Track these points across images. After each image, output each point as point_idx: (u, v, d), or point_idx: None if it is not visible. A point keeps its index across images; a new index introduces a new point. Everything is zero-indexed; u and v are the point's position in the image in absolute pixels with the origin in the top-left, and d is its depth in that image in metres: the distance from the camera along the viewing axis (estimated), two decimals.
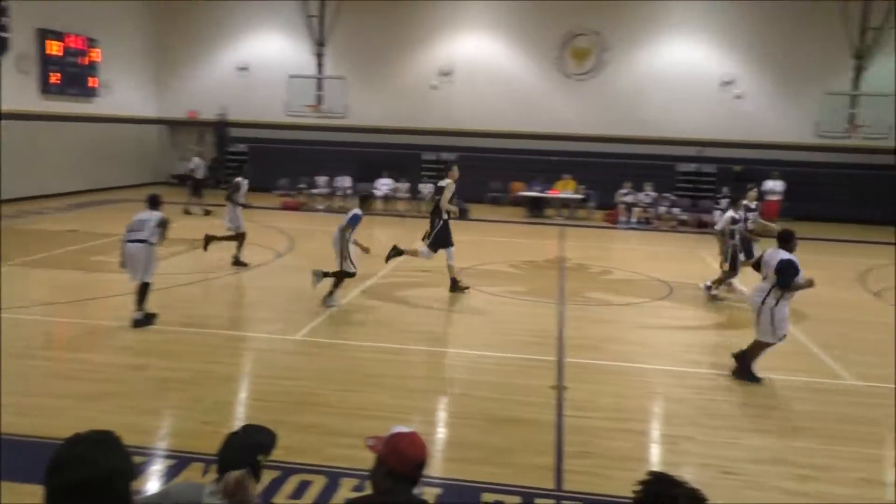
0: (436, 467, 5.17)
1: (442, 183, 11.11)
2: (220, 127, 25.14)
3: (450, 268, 10.81)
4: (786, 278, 7.05)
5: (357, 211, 9.68)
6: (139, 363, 7.14)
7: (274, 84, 23.13)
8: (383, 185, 21.34)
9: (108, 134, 22.46)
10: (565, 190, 21.13)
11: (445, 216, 10.74)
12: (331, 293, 9.64)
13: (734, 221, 11.15)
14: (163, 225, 8.26)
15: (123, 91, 23.36)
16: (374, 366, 7.37)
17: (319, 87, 22.51)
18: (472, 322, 9.46)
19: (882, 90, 19.13)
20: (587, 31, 23.77)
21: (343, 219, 9.63)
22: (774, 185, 19.20)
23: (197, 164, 19.10)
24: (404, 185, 21.59)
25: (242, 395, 6.76)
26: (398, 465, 2.47)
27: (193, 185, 18.93)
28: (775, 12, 22.36)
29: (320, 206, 20.93)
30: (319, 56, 23.02)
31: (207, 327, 8.46)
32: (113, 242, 13.65)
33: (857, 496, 4.98)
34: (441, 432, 5.98)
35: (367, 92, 23.94)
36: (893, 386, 7.37)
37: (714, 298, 10.98)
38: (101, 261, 11.90)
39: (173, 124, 26.02)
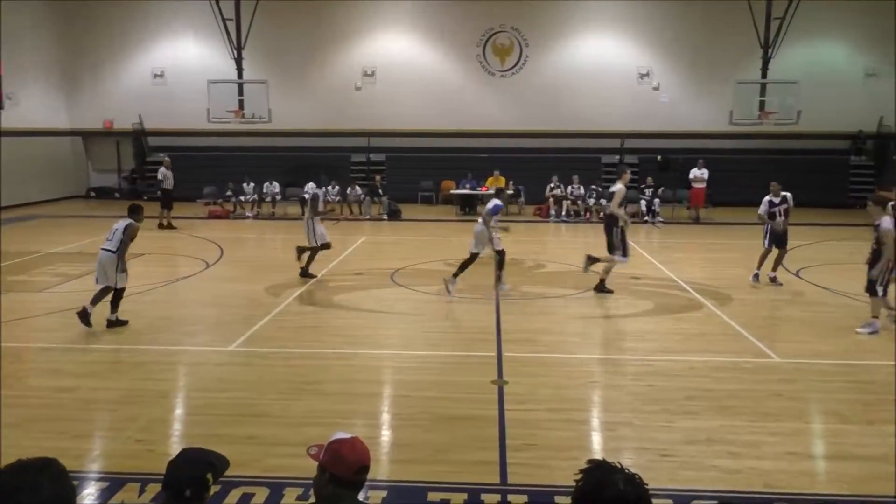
0: (381, 470, 5.16)
1: (613, 188, 11.21)
2: (138, 136, 24.34)
3: (606, 269, 10.89)
4: None
5: (497, 202, 11.22)
6: (69, 385, 6.85)
7: (193, 90, 22.50)
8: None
9: (17, 148, 21.34)
10: (496, 186, 21.32)
11: (621, 223, 10.68)
12: (498, 278, 10.91)
13: (772, 205, 11.65)
14: (126, 231, 8.62)
15: (30, 102, 22.28)
16: (313, 372, 7.29)
17: (241, 91, 22.00)
18: (411, 322, 9.46)
19: (788, 78, 20.04)
20: (507, 28, 24.08)
21: (484, 210, 11.17)
22: (701, 174, 19.89)
23: (164, 175, 18.39)
24: (334, 189, 21.37)
25: (178, 411, 6.57)
26: (339, 472, 2.46)
27: (164, 198, 18.17)
28: (687, 6, 23.17)
29: (249, 214, 20.53)
30: (238, 60, 22.50)
31: (139, 343, 8.20)
32: (31, 260, 13.09)
33: (785, 469, 5.21)
34: (385, 435, 5.97)
35: (290, 95, 23.59)
36: (816, 361, 7.77)
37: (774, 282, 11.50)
38: (19, 280, 11.36)
39: (87, 135, 25.03)
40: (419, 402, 6.48)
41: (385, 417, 6.38)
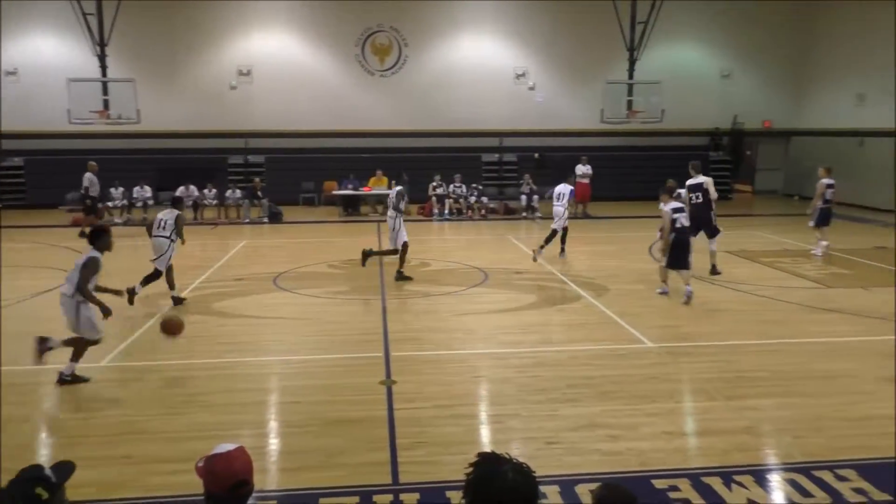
0: (270, 480, 5.05)
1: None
2: None
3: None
4: None
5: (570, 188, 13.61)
6: None
7: (52, 89, 21.03)
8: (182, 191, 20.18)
9: None
10: (378, 186, 21.29)
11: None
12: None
13: (829, 186, 12.67)
14: (177, 222, 9.89)
15: None
16: (193, 384, 7.01)
17: (105, 90, 20.78)
18: (296, 327, 9.28)
19: (653, 78, 21.25)
20: (385, 28, 24.08)
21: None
22: (586, 169, 20.70)
23: (90, 181, 17.07)
24: (212, 192, 20.61)
25: (44, 436, 6.13)
26: (214, 489, 2.38)
27: (90, 205, 16.97)
28: (558, 8, 24.03)
29: (118, 220, 19.41)
30: (102, 57, 21.25)
31: None
32: None
33: (661, 448, 5.53)
34: (273, 443, 5.83)
35: (160, 94, 22.53)
36: (684, 344, 8.29)
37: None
38: None
39: None
40: (308, 408, 6.38)
41: (273, 426, 6.23)
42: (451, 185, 21.11)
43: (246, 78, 23.62)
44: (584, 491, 4.75)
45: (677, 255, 10.25)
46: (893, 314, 9.45)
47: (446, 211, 20.62)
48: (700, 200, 11.91)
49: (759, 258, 13.16)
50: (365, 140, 23.77)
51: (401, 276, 11.80)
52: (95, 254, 7.06)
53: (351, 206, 21.33)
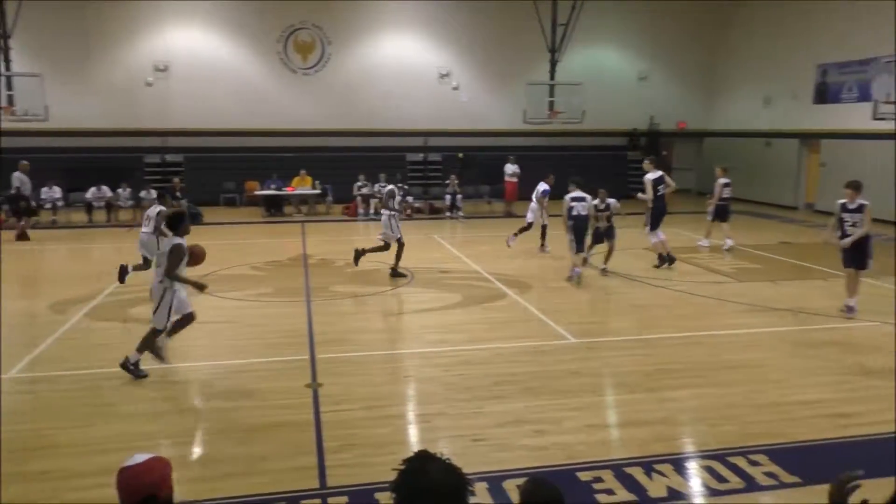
0: (191, 490, 4.90)
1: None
2: None
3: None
4: None
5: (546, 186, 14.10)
6: None
7: None
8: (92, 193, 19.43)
9: None
10: (302, 186, 21.01)
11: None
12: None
13: (725, 185, 13.49)
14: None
15: None
16: (109, 394, 6.73)
17: (9, 85, 19.70)
18: (217, 331, 9.04)
19: (573, 80, 21.72)
20: (308, 25, 23.76)
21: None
22: (514, 169, 20.97)
23: (22, 181, 16.15)
24: (126, 192, 19.84)
25: None
26: (125, 502, 2.29)
27: (24, 206, 16.15)
28: (481, 9, 24.26)
29: (23, 222, 18.41)
30: (6, 51, 20.15)
31: None
32: None
33: (585, 441, 5.66)
34: (195, 452, 5.66)
35: (70, 90, 21.53)
36: (605, 339, 8.52)
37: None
38: None
39: None
40: (231, 414, 6.23)
41: (193, 434, 6.05)
42: (377, 185, 21.01)
43: (162, 74, 22.86)
44: (511, 486, 4.81)
45: (576, 239, 11.59)
46: (801, 307, 9.98)
47: (371, 211, 20.51)
48: (662, 193, 12.85)
49: (675, 254, 13.62)
50: (288, 139, 23.39)
51: (396, 274, 11.92)
52: (178, 240, 7.12)
53: (274, 207, 20.94)
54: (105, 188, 19.43)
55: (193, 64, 22.90)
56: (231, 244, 15.73)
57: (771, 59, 23.57)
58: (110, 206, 19.27)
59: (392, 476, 1.97)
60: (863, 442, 5.67)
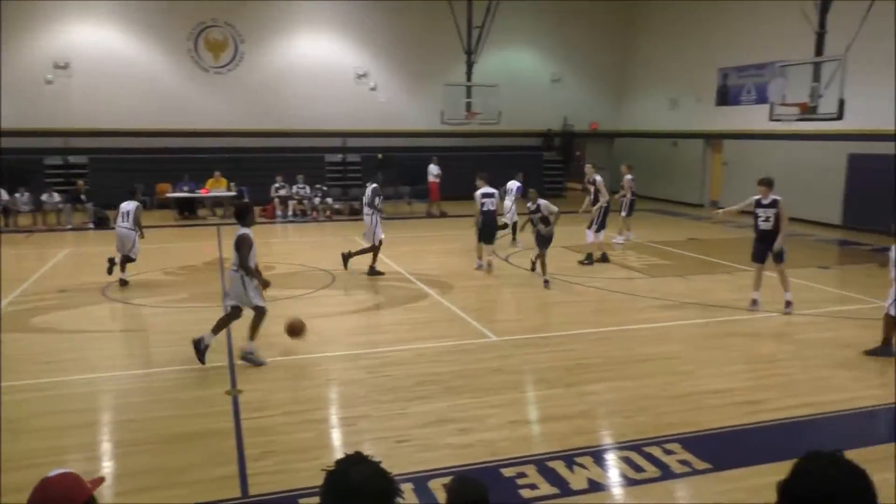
0: None
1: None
2: None
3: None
4: None
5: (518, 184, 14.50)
6: None
7: None
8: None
9: None
10: (216, 188, 20.45)
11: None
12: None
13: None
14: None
15: None
16: (11, 409, 6.34)
17: None
18: (130, 339, 8.69)
19: (490, 81, 21.99)
20: (219, 23, 23.15)
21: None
22: (438, 170, 21.05)
23: None
24: (24, 196, 18.78)
25: None
26: None
27: None
28: (398, 10, 24.25)
29: None
30: None
31: None
32: None
33: (507, 437, 5.75)
34: (108, 466, 5.42)
35: None
36: (525, 336, 8.67)
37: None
38: None
39: None
40: (146, 425, 6.00)
41: (106, 447, 5.79)
42: (295, 187, 20.69)
43: (63, 72, 21.78)
44: (436, 486, 4.84)
45: (485, 233, 12.08)
46: (706, 301, 10.44)
47: (290, 213, 20.17)
48: (593, 197, 13.53)
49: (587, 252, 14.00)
50: (201, 140, 22.72)
51: (373, 272, 12.06)
52: (245, 231, 7.46)
53: (187, 210, 20.29)
54: (2, 192, 18.35)
55: (97, 61, 21.93)
56: (141, 249, 15.11)
57: (676, 63, 24.57)
58: (7, 211, 18.22)
59: (316, 481, 1.95)
60: (769, 427, 5.99)
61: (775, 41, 19.25)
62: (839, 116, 14.25)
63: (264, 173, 21.10)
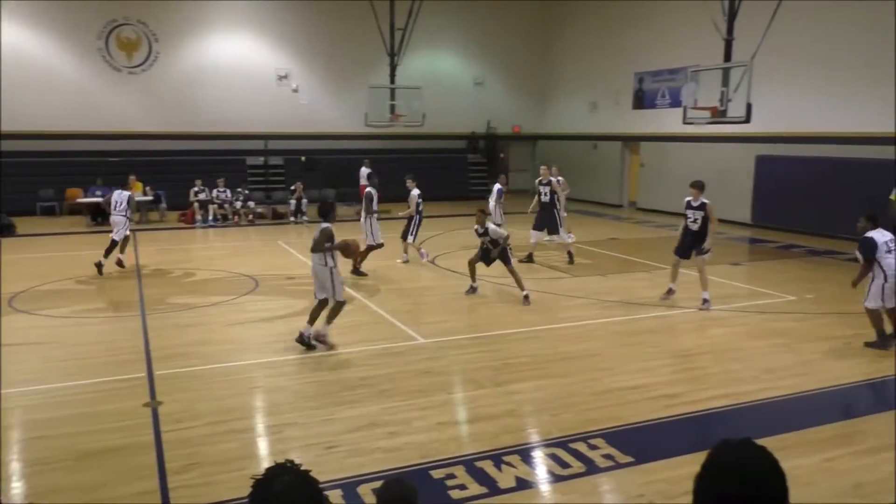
0: None
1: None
2: None
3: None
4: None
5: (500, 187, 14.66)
6: None
7: None
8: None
9: None
10: (131, 192, 19.68)
11: None
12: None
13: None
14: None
15: None
16: None
17: None
18: (39, 352, 8.26)
19: (413, 84, 22.01)
20: (132, 21, 22.35)
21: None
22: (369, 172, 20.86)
23: None
24: None
25: None
26: None
27: None
28: (319, 10, 24.01)
29: None
30: None
31: None
32: None
33: (437, 439, 5.76)
34: (17, 486, 5.14)
35: None
36: (454, 338, 8.71)
37: None
38: None
39: None
40: (58, 442, 5.72)
41: (15, 467, 5.48)
42: (215, 190, 20.15)
43: None
44: (366, 491, 4.80)
45: (408, 228, 12.83)
46: (626, 299, 10.76)
47: (210, 217, 19.64)
48: (547, 199, 13.53)
49: (516, 253, 14.20)
50: (115, 142, 21.87)
51: (357, 273, 12.20)
52: (327, 225, 8.36)
53: (100, 216, 19.43)
54: None
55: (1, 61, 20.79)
56: (51, 257, 14.45)
57: (595, 67, 25.24)
58: None
59: (241, 492, 1.91)
60: (686, 419, 6.22)
61: (687, 47, 20.03)
62: (747, 120, 14.93)
63: (183, 177, 20.48)
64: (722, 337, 8.83)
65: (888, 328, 8.27)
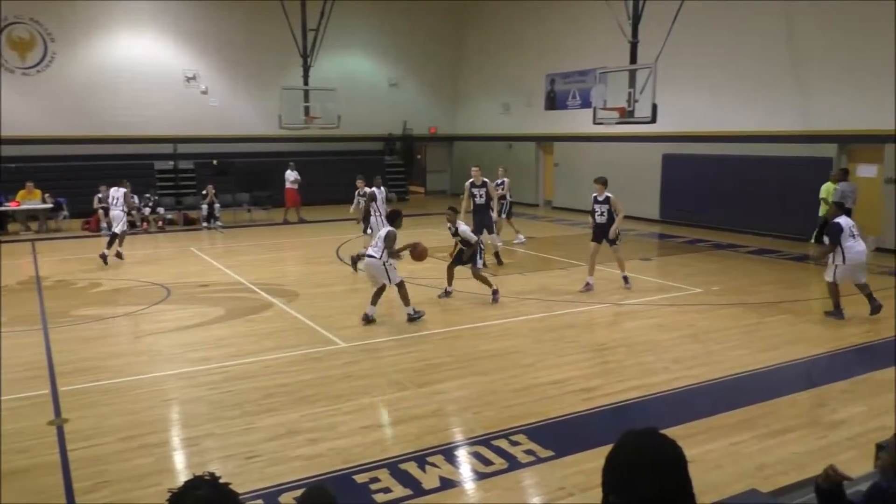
0: None
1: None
2: None
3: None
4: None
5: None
6: None
7: None
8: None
9: None
10: (29, 200, 18.68)
11: None
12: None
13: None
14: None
15: None
16: None
17: None
18: None
19: (328, 85, 21.78)
20: (24, 20, 21.18)
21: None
22: (295, 175, 20.47)
23: None
24: None
25: None
26: None
27: None
28: (228, 10, 23.41)
29: None
30: None
31: None
32: None
33: (360, 443, 5.72)
34: None
35: None
36: (375, 340, 8.67)
37: None
38: None
39: None
40: None
41: None
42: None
43: None
44: (287, 500, 4.72)
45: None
46: (543, 296, 10.98)
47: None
48: (483, 201, 13.64)
49: (436, 254, 14.27)
50: (9, 147, 20.62)
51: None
52: (392, 229, 9.48)
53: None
54: None
55: None
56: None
57: (507, 69, 25.66)
58: None
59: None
60: (603, 412, 6.40)
61: (596, 49, 20.63)
62: (653, 120, 15.52)
63: (85, 182, 19.56)
64: (635, 330, 9.13)
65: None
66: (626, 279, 11.17)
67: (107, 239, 14.44)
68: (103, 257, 13.65)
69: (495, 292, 10.54)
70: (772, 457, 5.38)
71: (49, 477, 5.17)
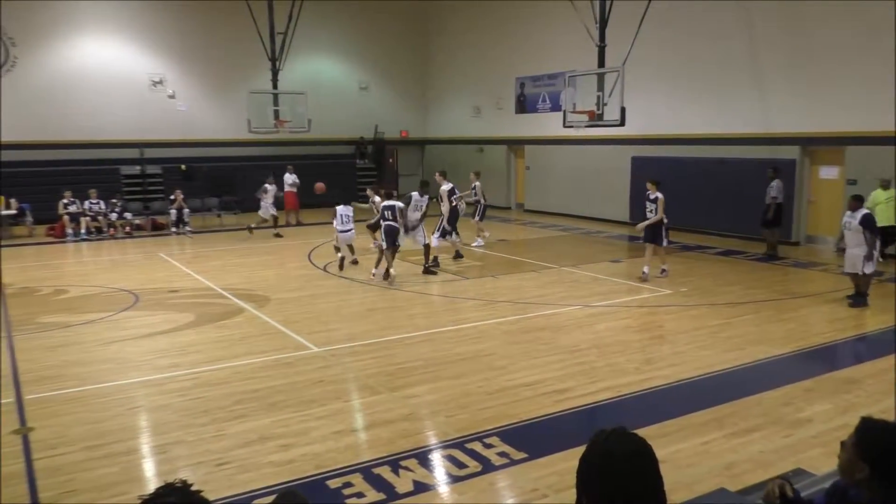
0: None
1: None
2: None
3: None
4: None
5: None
6: None
7: None
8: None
9: None
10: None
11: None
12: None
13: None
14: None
15: None
16: None
17: None
18: None
19: (297, 89, 21.64)
20: None
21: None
22: (294, 179, 20.30)
23: None
24: None
25: None
26: None
27: None
28: (195, 13, 23.15)
29: None
30: None
31: None
32: None
33: (333, 448, 5.67)
34: None
35: None
36: (347, 345, 8.63)
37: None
38: None
39: None
40: None
41: None
42: (87, 202, 19.00)
43: None
44: None
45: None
46: (516, 298, 11.02)
47: (83, 230, 18.49)
48: (456, 204, 14.31)
49: (407, 257, 14.25)
50: None
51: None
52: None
53: None
54: None
55: None
56: None
57: (477, 72, 25.74)
58: None
59: None
60: (575, 413, 6.44)
61: (565, 53, 20.78)
62: (621, 123, 15.68)
63: (50, 188, 19.19)
64: (606, 332, 9.21)
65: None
66: (644, 273, 12.12)
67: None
68: None
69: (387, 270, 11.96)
70: (740, 455, 5.45)
71: (14, 487, 5.05)
